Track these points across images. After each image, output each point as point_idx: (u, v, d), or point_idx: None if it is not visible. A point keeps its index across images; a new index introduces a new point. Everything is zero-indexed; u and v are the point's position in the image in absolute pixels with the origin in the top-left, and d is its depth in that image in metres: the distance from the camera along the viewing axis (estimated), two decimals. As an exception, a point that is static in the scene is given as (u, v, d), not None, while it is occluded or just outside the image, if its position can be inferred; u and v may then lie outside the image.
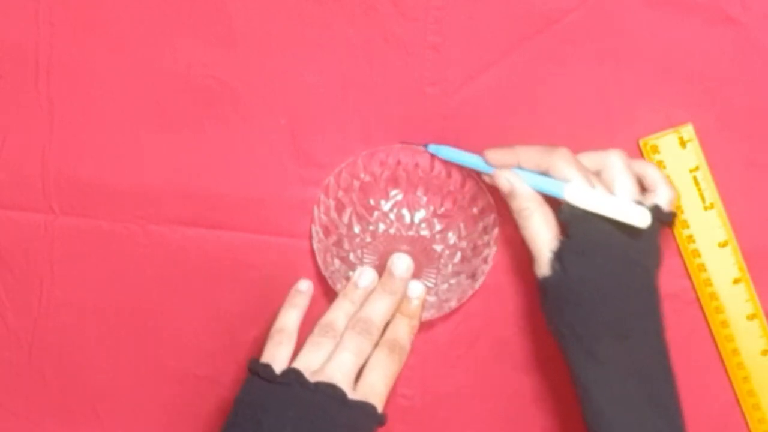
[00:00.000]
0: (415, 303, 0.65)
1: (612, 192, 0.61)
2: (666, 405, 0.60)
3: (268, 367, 0.62)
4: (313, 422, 0.59)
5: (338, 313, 0.64)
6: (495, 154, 0.63)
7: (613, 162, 0.61)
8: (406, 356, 0.64)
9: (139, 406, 0.75)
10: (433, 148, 0.66)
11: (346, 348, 0.62)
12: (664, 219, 0.61)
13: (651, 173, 0.62)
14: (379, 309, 0.64)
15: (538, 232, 0.61)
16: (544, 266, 0.61)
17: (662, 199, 0.62)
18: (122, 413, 0.75)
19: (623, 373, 0.59)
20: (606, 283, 0.60)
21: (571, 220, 0.60)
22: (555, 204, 0.62)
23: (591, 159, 0.62)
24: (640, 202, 0.61)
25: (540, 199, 0.62)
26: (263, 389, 0.61)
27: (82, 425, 0.75)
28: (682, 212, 0.67)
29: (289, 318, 0.65)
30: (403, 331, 0.64)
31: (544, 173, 0.62)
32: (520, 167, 0.63)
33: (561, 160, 0.61)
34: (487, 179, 0.65)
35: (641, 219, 0.59)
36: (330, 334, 0.63)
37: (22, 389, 0.75)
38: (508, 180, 0.62)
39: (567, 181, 0.60)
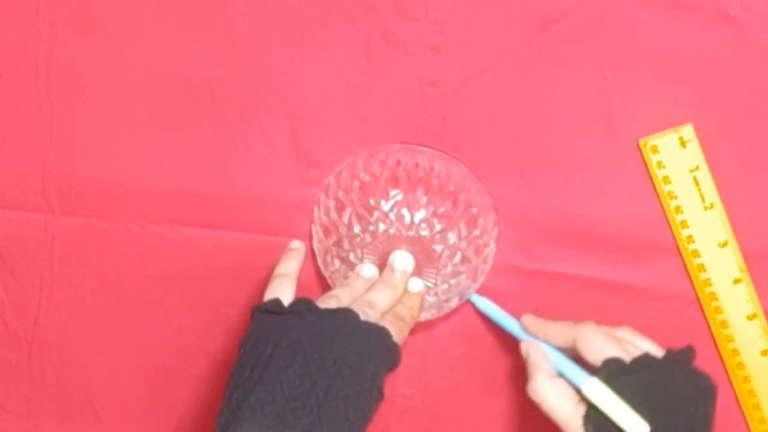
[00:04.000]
0: (415, 297, 0.65)
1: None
2: None
3: (276, 301, 0.60)
4: (330, 346, 0.57)
5: (341, 290, 0.63)
6: (530, 322, 0.65)
7: (626, 334, 0.62)
8: (408, 331, 0.63)
9: (139, 406, 0.75)
10: (474, 297, 0.68)
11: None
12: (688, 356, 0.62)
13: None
14: (380, 297, 0.63)
15: (557, 407, 0.60)
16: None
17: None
18: (122, 413, 0.75)
19: None
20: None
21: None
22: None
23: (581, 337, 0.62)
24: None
25: (552, 371, 0.62)
26: (273, 321, 0.59)
27: (82, 425, 0.75)
28: (682, 212, 0.67)
29: (288, 265, 0.65)
30: (403, 311, 0.64)
31: (572, 347, 0.62)
32: (548, 343, 0.64)
33: (587, 332, 0.62)
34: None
35: (637, 429, 0.58)
36: (333, 301, 0.61)
37: (22, 389, 0.75)
38: (528, 353, 0.63)
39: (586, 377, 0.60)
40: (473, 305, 0.69)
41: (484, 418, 0.72)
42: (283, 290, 0.62)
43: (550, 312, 0.70)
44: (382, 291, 0.64)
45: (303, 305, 0.60)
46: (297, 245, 0.68)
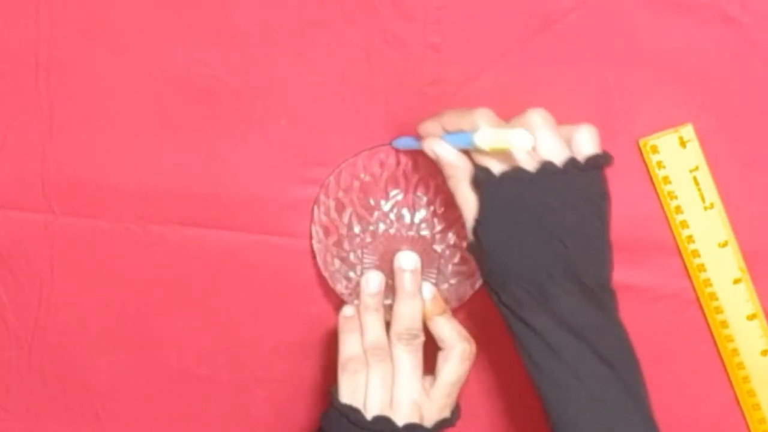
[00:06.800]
0: (430, 302, 0.66)
1: (539, 150, 0.58)
2: (611, 359, 0.58)
3: (357, 412, 0.63)
4: None
5: (374, 328, 0.65)
6: (424, 126, 0.63)
7: (533, 120, 0.59)
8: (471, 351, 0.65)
9: (139, 406, 0.75)
10: (395, 143, 0.67)
11: (395, 380, 0.64)
12: (586, 166, 0.59)
13: (567, 128, 0.60)
14: (409, 314, 0.64)
15: (465, 199, 0.60)
16: (469, 233, 0.60)
17: (582, 142, 0.59)
18: (122, 413, 0.75)
19: (555, 332, 0.58)
20: (517, 248, 0.58)
21: (481, 183, 0.59)
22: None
23: (513, 121, 0.60)
24: (554, 163, 0.58)
25: (469, 166, 0.60)
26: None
27: (82, 425, 0.75)
28: (682, 212, 0.67)
29: (353, 344, 0.65)
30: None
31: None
32: (445, 132, 0.61)
33: (480, 118, 0.59)
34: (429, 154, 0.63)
35: (522, 141, 0.56)
36: (378, 355, 0.64)
37: (22, 389, 0.75)
38: (431, 148, 0.61)
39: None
40: (397, 150, 0.67)
41: (485, 418, 0.72)
42: (358, 379, 0.64)
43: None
44: (405, 304, 0.65)
45: (383, 424, 0.62)
46: (350, 313, 0.67)
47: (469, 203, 0.60)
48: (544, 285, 0.58)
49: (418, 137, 0.64)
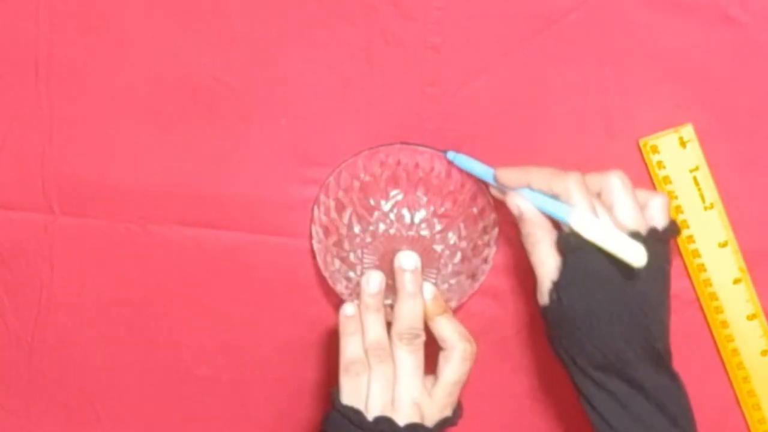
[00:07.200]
0: (431, 302, 0.66)
1: (613, 215, 0.60)
2: (676, 417, 0.61)
3: (358, 414, 0.63)
4: None
5: (375, 329, 0.65)
6: (506, 174, 0.63)
7: (614, 184, 0.61)
8: (471, 350, 0.65)
9: (139, 406, 0.75)
10: (451, 155, 0.66)
11: (397, 380, 0.64)
12: (664, 237, 0.61)
13: (641, 193, 0.62)
14: (411, 314, 0.64)
15: (542, 261, 0.61)
16: (544, 295, 0.61)
17: (656, 210, 0.61)
18: (122, 413, 0.75)
19: (628, 393, 0.60)
20: (599, 315, 0.59)
21: (568, 248, 0.60)
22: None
23: (592, 180, 0.61)
24: (637, 233, 0.59)
25: (549, 225, 0.62)
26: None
27: (82, 425, 0.75)
28: (682, 212, 0.67)
29: (355, 346, 0.65)
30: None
31: (554, 197, 0.61)
32: (530, 188, 0.62)
33: (573, 186, 0.60)
34: (495, 193, 0.65)
35: (636, 257, 0.58)
36: (379, 356, 0.64)
37: (22, 389, 0.75)
38: (517, 205, 0.62)
39: (573, 206, 0.60)
40: (451, 163, 0.67)
41: (484, 418, 0.72)
42: (361, 381, 0.64)
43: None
44: (406, 303, 0.64)
45: (384, 425, 0.62)
46: (350, 311, 0.66)
47: (546, 265, 0.61)
48: (621, 350, 0.59)
49: (473, 158, 0.65)
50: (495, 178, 0.64)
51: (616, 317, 0.59)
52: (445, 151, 0.66)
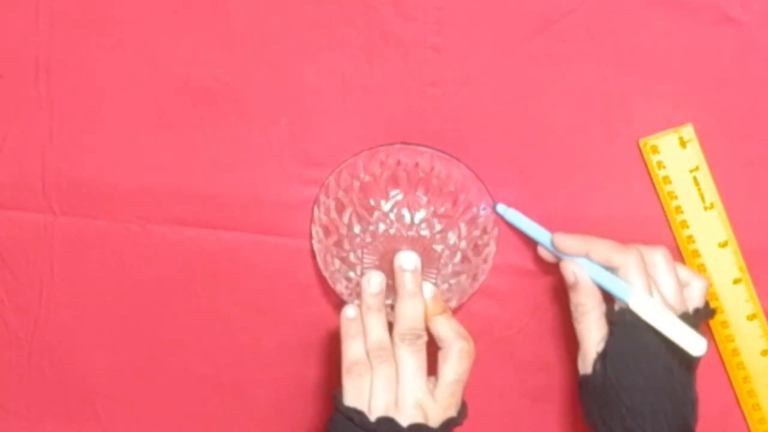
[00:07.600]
0: (430, 302, 0.66)
1: (659, 291, 0.62)
2: None
3: (361, 415, 0.63)
4: None
5: (377, 329, 0.65)
6: (565, 241, 0.64)
7: (658, 261, 0.63)
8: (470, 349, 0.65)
9: (139, 406, 0.75)
10: (501, 208, 0.67)
11: (399, 381, 0.64)
12: (700, 321, 0.63)
13: (683, 270, 0.64)
14: (411, 314, 0.64)
15: (589, 330, 0.63)
16: (587, 364, 0.63)
17: (696, 292, 0.64)
18: (122, 413, 0.75)
19: None
20: (644, 390, 0.61)
21: (619, 322, 0.62)
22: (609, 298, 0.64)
23: (632, 250, 0.63)
24: (686, 314, 0.62)
25: (600, 297, 0.63)
26: None
27: (82, 425, 0.75)
28: (682, 212, 0.67)
29: (357, 348, 0.65)
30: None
31: (611, 269, 0.63)
32: (588, 258, 0.63)
33: (633, 263, 0.62)
34: (542, 252, 0.66)
35: (696, 347, 0.61)
36: (381, 356, 0.64)
37: (22, 389, 0.75)
38: (573, 273, 0.63)
39: (631, 284, 0.61)
40: (501, 216, 0.67)
41: (484, 418, 0.72)
42: (364, 382, 0.63)
43: (550, 312, 0.70)
44: (407, 304, 0.64)
45: (386, 425, 0.62)
46: (352, 314, 0.65)
47: (593, 335, 0.63)
48: (659, 423, 0.61)
49: (530, 219, 0.66)
50: (553, 244, 0.65)
51: (662, 393, 0.61)
52: (495, 203, 0.67)
